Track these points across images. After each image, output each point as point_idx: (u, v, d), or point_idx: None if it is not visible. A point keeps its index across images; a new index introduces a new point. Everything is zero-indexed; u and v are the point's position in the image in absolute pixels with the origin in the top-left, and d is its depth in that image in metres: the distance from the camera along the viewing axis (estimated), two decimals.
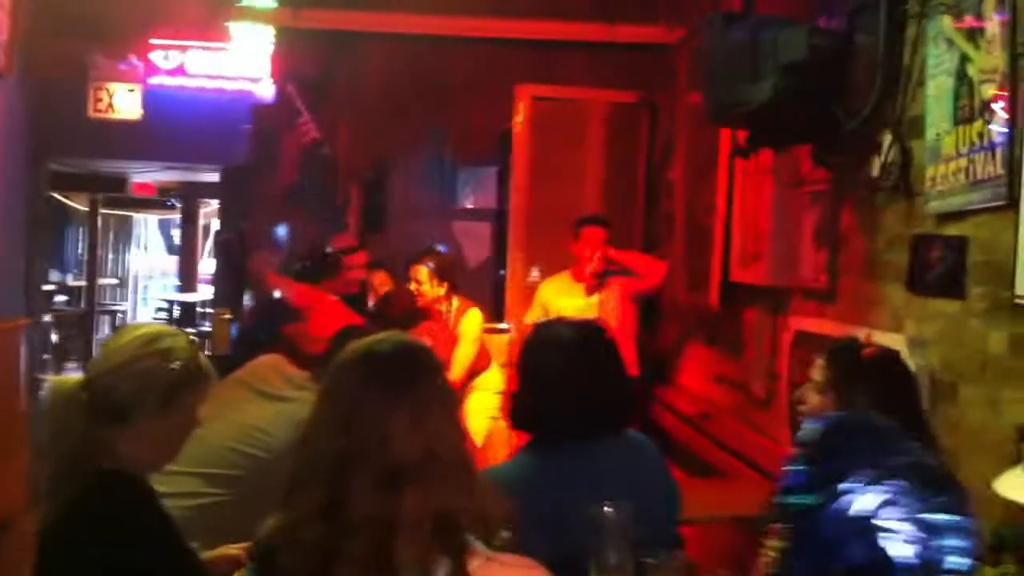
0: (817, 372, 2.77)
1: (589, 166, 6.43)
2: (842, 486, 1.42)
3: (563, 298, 5.73)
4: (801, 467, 1.50)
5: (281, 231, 7.83)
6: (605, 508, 2.36)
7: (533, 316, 5.73)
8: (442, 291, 5.73)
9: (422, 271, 5.70)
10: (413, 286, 5.69)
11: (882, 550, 1.37)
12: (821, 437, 1.53)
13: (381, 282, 6.01)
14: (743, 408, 4.97)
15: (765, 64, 3.57)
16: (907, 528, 1.37)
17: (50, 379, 2.61)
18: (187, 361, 2.37)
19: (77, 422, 2.23)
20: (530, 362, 2.67)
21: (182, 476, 3.27)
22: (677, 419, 5.74)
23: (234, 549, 2.59)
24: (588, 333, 2.73)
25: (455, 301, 5.79)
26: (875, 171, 3.55)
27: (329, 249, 6.31)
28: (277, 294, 5.80)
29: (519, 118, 6.40)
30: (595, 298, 5.72)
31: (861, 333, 3.49)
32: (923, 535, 1.37)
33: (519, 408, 2.67)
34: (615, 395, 2.68)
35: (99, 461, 2.24)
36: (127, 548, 2.19)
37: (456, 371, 5.55)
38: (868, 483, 1.41)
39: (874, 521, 1.38)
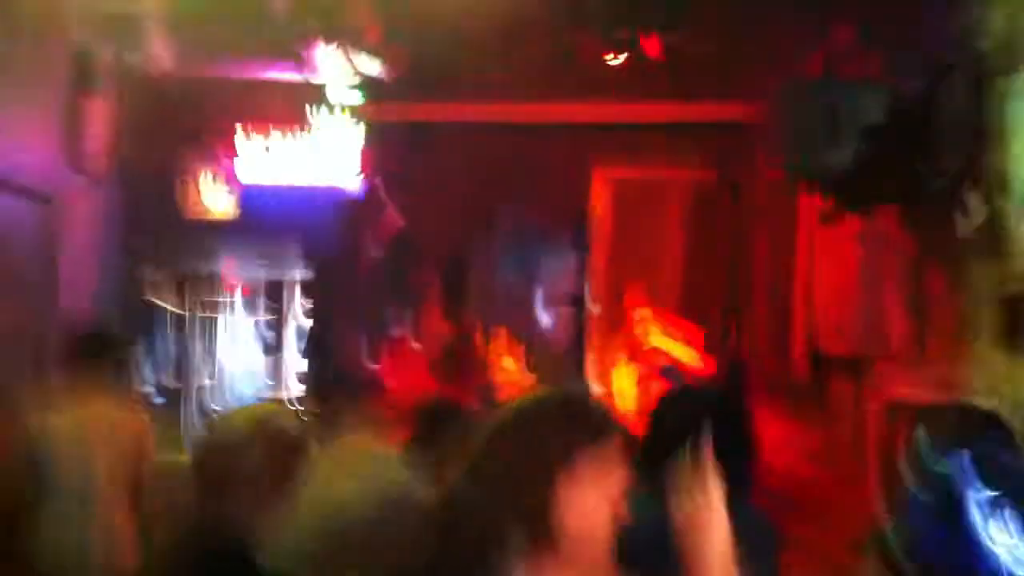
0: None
1: (669, 245, 6.42)
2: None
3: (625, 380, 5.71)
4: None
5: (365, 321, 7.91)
6: None
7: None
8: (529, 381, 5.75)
9: (512, 362, 5.74)
10: (499, 379, 5.71)
11: None
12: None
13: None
14: (834, 482, 4.82)
15: (845, 128, 3.56)
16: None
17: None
18: (296, 440, 2.42)
19: (186, 500, 2.28)
20: (667, 420, 2.70)
21: None
22: (764, 496, 5.58)
23: None
24: (731, 402, 2.81)
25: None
26: (962, 231, 3.47)
27: None
28: None
29: (598, 202, 6.44)
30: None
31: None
32: None
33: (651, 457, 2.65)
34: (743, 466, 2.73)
35: (208, 539, 2.26)
36: None
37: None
38: None
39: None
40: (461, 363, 5.93)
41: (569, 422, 1.81)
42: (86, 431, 4.22)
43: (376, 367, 5.80)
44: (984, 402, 3.29)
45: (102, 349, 4.40)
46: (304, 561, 3.39)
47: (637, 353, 5.66)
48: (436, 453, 3.76)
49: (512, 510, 1.70)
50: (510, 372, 5.73)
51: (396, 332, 6.07)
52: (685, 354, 5.38)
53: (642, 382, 5.69)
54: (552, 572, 1.68)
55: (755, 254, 5.94)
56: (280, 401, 14.36)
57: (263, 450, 2.34)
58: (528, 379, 5.76)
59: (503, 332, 5.91)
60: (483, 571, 1.67)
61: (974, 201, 3.40)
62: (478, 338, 6.08)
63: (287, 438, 2.40)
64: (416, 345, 5.92)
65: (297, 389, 15.32)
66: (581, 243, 6.85)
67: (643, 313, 5.52)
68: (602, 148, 6.48)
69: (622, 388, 5.75)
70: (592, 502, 1.76)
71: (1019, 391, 3.23)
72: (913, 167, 3.52)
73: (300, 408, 11.86)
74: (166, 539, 2.29)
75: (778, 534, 2.80)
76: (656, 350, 5.50)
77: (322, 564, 3.42)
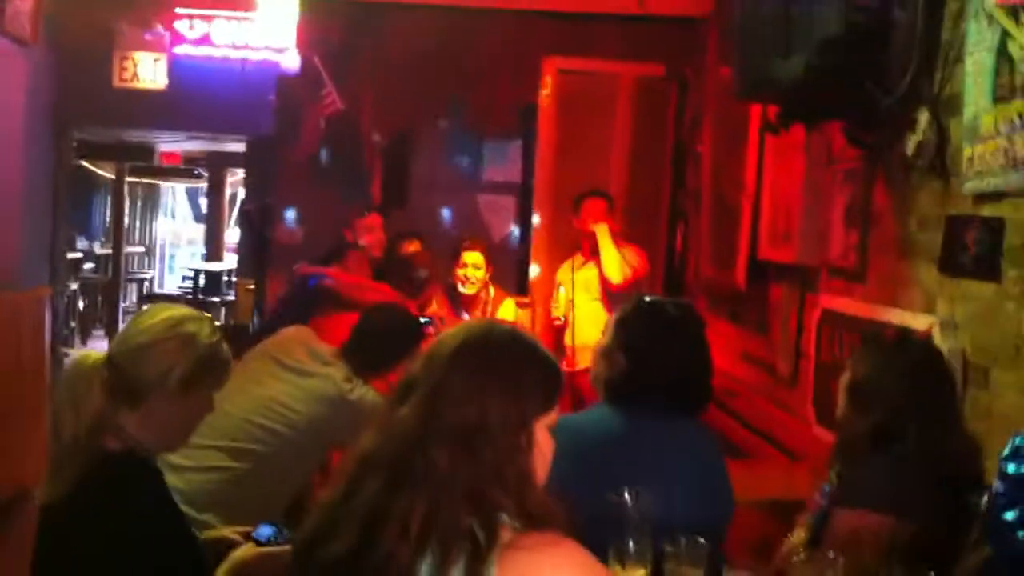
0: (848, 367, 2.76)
1: (616, 140, 6.35)
2: None
3: (572, 274, 5.70)
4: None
5: (303, 204, 7.79)
6: (625, 494, 2.33)
7: (558, 299, 5.74)
8: (487, 277, 5.73)
9: (478, 256, 5.67)
10: (467, 271, 5.64)
11: None
12: None
13: (415, 251, 5.99)
14: (768, 387, 4.91)
15: (798, 38, 3.48)
16: None
17: (73, 353, 2.64)
18: (210, 347, 2.38)
19: (93, 398, 2.24)
20: (633, 335, 2.70)
21: (205, 450, 3.28)
22: None
23: (231, 533, 2.59)
24: (689, 314, 2.81)
25: (492, 289, 5.79)
26: (910, 150, 3.46)
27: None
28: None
29: (545, 91, 6.32)
30: (594, 270, 5.62)
31: (899, 315, 3.44)
32: None
33: (614, 378, 2.68)
34: (704, 377, 2.75)
35: (108, 440, 2.25)
36: (127, 530, 2.19)
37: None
38: None
39: None
40: (405, 259, 5.84)
41: (546, 377, 1.73)
42: None
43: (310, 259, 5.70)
44: (918, 320, 3.35)
45: None
46: (226, 456, 3.39)
47: (585, 254, 5.65)
48: (377, 362, 3.74)
49: (495, 478, 1.59)
50: (472, 268, 5.66)
51: (341, 223, 5.96)
52: (615, 267, 5.38)
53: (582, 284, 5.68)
54: None
55: (703, 155, 5.89)
56: (218, 275, 14.22)
57: (173, 354, 2.31)
58: (487, 273, 5.71)
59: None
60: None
61: (923, 120, 3.38)
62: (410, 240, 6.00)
63: (200, 343, 2.36)
64: (361, 241, 5.81)
65: (231, 260, 15.22)
66: (527, 132, 6.75)
67: (600, 228, 5.49)
68: (551, 37, 6.34)
69: (564, 285, 5.75)
70: (538, 464, 1.69)
71: (954, 311, 3.27)
72: (864, 83, 3.47)
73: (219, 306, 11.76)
74: (70, 436, 2.23)
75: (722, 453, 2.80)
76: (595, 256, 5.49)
77: (245, 458, 3.42)
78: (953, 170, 3.27)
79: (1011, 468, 1.47)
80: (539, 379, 1.71)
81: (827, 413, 4.12)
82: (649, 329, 2.72)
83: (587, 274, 5.64)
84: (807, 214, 4.34)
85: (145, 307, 2.50)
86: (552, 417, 1.72)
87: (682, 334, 2.73)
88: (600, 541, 1.69)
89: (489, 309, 5.72)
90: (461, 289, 5.66)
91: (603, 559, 2.07)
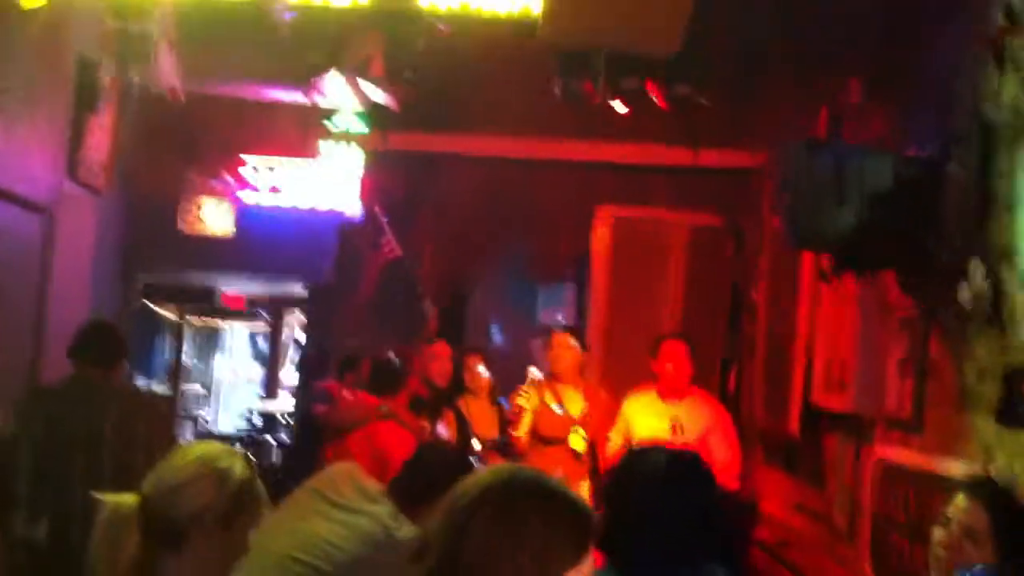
0: (961, 514, 2.70)
1: (670, 286, 6.40)
2: None
3: (646, 417, 5.60)
4: None
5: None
6: None
7: (616, 434, 5.65)
8: (581, 360, 5.80)
9: (569, 338, 5.77)
10: (556, 352, 5.73)
11: None
12: None
13: (475, 364, 6.11)
14: (825, 540, 4.80)
15: (850, 192, 3.54)
16: None
17: (105, 499, 2.58)
18: (244, 483, 2.33)
19: (130, 545, 2.20)
20: (621, 490, 2.58)
21: None
22: (756, 547, 5.57)
23: None
24: (683, 466, 2.64)
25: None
26: (965, 300, 3.45)
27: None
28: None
29: (598, 238, 6.42)
30: (674, 415, 5.53)
31: (958, 467, 3.38)
32: None
33: (607, 534, 2.48)
34: (706, 531, 2.58)
35: None
36: None
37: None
38: None
39: None
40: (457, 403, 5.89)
41: (574, 524, 1.57)
42: None
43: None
44: (978, 470, 3.29)
45: None
46: None
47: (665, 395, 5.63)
48: (421, 497, 3.72)
49: None
50: (568, 349, 5.73)
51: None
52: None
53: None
54: None
55: (756, 304, 5.92)
56: (272, 415, 14.32)
57: (209, 491, 2.26)
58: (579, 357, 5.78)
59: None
60: None
61: (977, 272, 3.39)
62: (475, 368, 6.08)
63: (234, 478, 2.31)
64: (428, 368, 5.89)
65: (289, 403, 15.34)
66: (581, 281, 6.84)
67: (670, 368, 5.50)
68: (606, 187, 6.48)
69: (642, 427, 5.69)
70: None
71: (1013, 461, 3.21)
72: (917, 236, 3.51)
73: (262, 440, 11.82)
74: None
75: None
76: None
77: None
78: (1010, 321, 3.25)
79: None
80: (566, 527, 1.55)
81: (885, 569, 4.03)
82: (628, 483, 2.57)
83: (656, 422, 5.58)
84: (862, 363, 4.32)
85: (177, 447, 2.46)
86: (585, 569, 1.55)
87: (667, 483, 2.55)
88: None
89: (581, 392, 5.79)
90: (557, 366, 5.75)
91: None
